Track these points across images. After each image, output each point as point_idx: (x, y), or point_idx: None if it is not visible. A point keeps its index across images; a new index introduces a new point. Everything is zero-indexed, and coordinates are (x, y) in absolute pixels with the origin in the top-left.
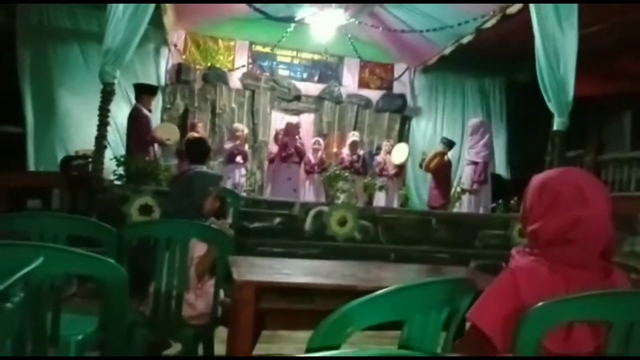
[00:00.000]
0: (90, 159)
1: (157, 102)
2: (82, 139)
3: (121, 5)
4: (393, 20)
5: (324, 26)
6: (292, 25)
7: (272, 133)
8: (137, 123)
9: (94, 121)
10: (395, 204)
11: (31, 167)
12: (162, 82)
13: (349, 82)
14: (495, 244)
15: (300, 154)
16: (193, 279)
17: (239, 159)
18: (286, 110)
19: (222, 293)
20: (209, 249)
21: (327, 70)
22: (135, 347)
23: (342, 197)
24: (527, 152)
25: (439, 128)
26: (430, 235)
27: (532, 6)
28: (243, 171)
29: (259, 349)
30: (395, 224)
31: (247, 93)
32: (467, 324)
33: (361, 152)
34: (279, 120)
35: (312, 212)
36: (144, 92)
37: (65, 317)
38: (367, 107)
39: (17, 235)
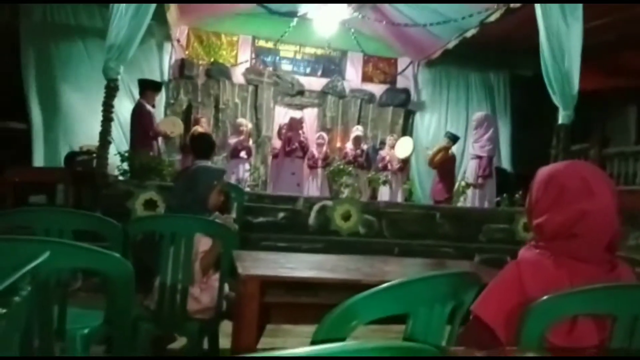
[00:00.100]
0: (94, 155)
1: (161, 98)
2: (86, 134)
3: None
4: (396, 14)
5: (327, 21)
6: (295, 20)
7: (276, 128)
8: (141, 119)
9: (98, 117)
10: (400, 199)
11: (36, 162)
12: (166, 77)
13: (353, 76)
14: (499, 238)
15: (304, 148)
16: (198, 273)
17: (243, 154)
18: (289, 105)
19: (226, 287)
20: (214, 244)
21: (330, 65)
22: (141, 341)
23: (346, 192)
24: (532, 146)
25: (442, 122)
26: (435, 230)
27: None
28: (247, 166)
29: (264, 343)
30: (399, 219)
31: (250, 88)
32: (471, 316)
33: (365, 147)
34: (282, 115)
35: (316, 207)
36: (148, 88)
37: (71, 312)
38: (370, 102)
39: (22, 231)
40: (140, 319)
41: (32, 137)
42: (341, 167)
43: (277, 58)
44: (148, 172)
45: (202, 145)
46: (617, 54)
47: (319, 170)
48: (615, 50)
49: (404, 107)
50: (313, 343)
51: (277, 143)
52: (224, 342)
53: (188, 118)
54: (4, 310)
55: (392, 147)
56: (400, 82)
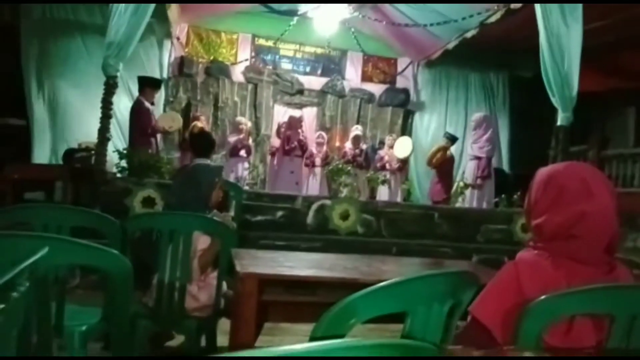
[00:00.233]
0: (93, 152)
1: (160, 95)
2: (85, 131)
3: None
4: (397, 14)
5: (327, 20)
6: (295, 18)
7: (275, 126)
8: (139, 116)
9: (97, 114)
10: (398, 198)
11: (35, 159)
12: (165, 75)
13: (352, 76)
14: (497, 238)
15: (303, 147)
16: (196, 271)
17: (242, 152)
18: (289, 104)
19: (224, 285)
20: (212, 242)
21: (330, 64)
22: (138, 338)
23: (344, 191)
24: (531, 147)
25: (442, 123)
26: (433, 230)
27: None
28: (246, 164)
29: (261, 341)
30: (397, 218)
31: (250, 86)
32: (469, 317)
33: (364, 146)
34: (281, 113)
35: (314, 206)
36: (148, 85)
37: (69, 309)
38: (370, 101)
39: (21, 227)
40: (138, 316)
41: (31, 134)
42: (340, 166)
43: (277, 57)
44: (146, 170)
45: (202, 144)
46: (616, 55)
47: (318, 169)
48: (614, 52)
49: (404, 107)
50: (311, 341)
51: (276, 142)
52: (222, 340)
53: (187, 116)
54: (2, 306)
55: (391, 147)
56: (400, 82)
